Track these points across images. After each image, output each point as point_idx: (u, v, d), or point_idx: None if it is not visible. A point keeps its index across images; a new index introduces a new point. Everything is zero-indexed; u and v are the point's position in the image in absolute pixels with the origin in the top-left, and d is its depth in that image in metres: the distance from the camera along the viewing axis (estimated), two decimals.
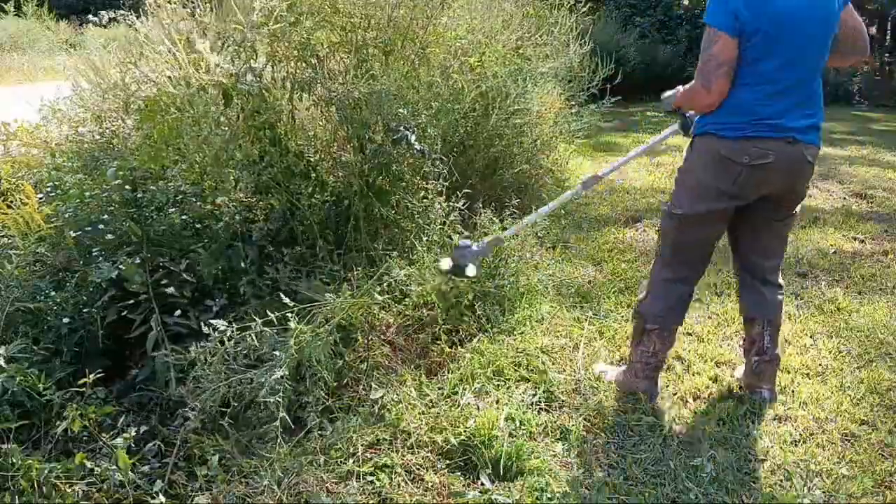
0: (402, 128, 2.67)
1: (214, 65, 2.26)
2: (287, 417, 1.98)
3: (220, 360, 2.10)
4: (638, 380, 2.38)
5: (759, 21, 1.99)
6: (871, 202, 5.22)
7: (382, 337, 2.59)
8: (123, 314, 2.30)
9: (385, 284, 2.55)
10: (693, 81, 2.16)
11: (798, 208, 2.33)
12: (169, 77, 2.28)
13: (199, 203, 2.69)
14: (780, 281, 2.46)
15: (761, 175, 2.12)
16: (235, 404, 2.11)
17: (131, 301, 2.32)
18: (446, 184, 3.03)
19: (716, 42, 2.03)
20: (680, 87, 2.37)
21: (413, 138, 2.67)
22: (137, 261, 2.36)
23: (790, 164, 2.12)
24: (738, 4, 1.99)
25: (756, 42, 2.02)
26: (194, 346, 2.10)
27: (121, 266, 2.32)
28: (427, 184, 3.00)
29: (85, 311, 2.33)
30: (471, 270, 2.43)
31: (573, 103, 4.78)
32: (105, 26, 14.55)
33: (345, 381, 2.35)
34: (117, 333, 2.36)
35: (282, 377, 2.02)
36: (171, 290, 2.35)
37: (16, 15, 14.23)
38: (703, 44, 2.07)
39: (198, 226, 2.66)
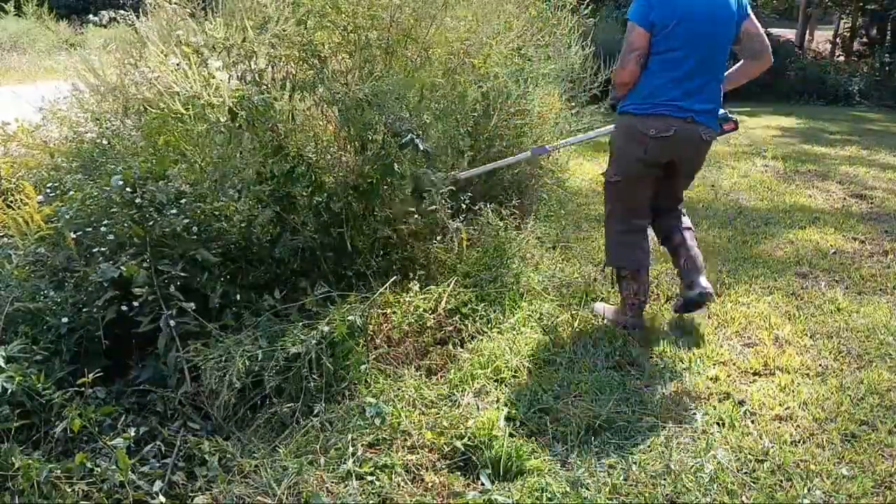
0: (409, 132, 2.68)
1: (225, 84, 2.25)
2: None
3: (252, 341, 2.22)
4: (626, 317, 2.86)
5: (669, 19, 2.53)
6: (871, 203, 5.22)
7: (384, 337, 2.59)
8: (130, 314, 2.30)
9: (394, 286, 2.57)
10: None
11: (696, 173, 2.97)
12: (177, 92, 2.27)
13: (199, 204, 2.69)
14: (681, 215, 3.01)
15: (665, 145, 2.65)
16: (253, 390, 2.16)
17: (133, 301, 2.31)
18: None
19: (632, 32, 2.60)
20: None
21: (419, 141, 2.70)
22: (145, 264, 2.35)
23: (687, 140, 2.67)
24: (648, 5, 2.56)
25: (663, 37, 2.56)
26: (228, 338, 2.23)
27: (122, 267, 2.31)
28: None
29: (84, 310, 2.33)
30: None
31: (574, 104, 4.78)
32: (105, 26, 14.57)
33: (346, 381, 2.35)
34: (117, 333, 2.35)
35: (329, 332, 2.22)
36: (172, 289, 2.35)
37: (16, 15, 14.22)
38: (626, 34, 2.63)
39: (200, 227, 2.65)
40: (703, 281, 2.85)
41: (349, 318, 2.37)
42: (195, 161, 2.57)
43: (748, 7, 2.70)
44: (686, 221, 3.00)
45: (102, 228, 2.45)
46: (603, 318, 2.96)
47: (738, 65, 2.82)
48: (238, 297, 2.53)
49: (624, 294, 2.87)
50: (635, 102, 2.69)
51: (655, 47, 2.59)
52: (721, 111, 2.80)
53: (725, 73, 2.78)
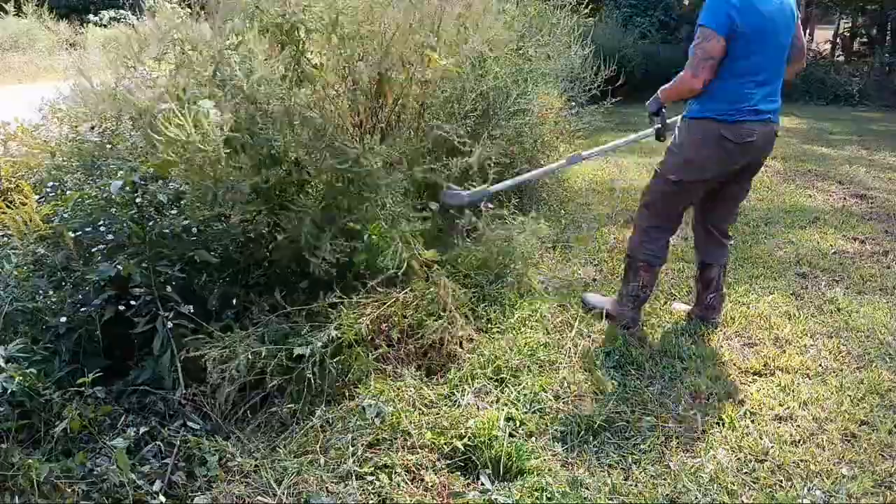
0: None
1: (214, 128, 2.20)
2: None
3: (254, 339, 2.22)
4: (626, 310, 2.89)
5: (746, 26, 2.49)
6: (871, 203, 5.22)
7: (384, 337, 2.59)
8: (127, 314, 2.30)
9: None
10: (683, 72, 2.62)
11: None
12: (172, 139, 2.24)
13: (199, 205, 2.68)
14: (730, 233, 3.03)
15: (747, 150, 2.65)
16: (254, 389, 2.16)
17: (131, 301, 2.31)
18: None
19: (709, 39, 2.52)
20: (661, 88, 2.81)
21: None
22: (143, 264, 2.35)
23: (766, 140, 2.69)
24: (731, 12, 2.49)
25: (743, 43, 2.51)
26: (235, 332, 2.25)
27: (119, 266, 2.31)
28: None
29: (82, 310, 2.33)
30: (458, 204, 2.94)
31: (573, 104, 4.78)
32: (105, 26, 14.55)
33: (346, 382, 2.35)
34: (117, 333, 2.35)
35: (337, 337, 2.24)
36: (169, 290, 2.34)
37: (16, 14, 14.21)
38: (697, 39, 2.56)
39: (199, 227, 2.64)
40: (718, 317, 3.02)
41: (357, 324, 2.37)
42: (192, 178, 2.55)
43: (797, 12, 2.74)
44: (727, 255, 3.01)
45: (101, 228, 2.45)
46: (593, 309, 2.98)
47: None
48: (238, 297, 2.53)
49: (630, 285, 2.89)
50: (717, 109, 2.61)
51: (735, 52, 2.53)
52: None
53: None
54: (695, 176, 2.72)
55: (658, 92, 2.82)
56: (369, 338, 2.49)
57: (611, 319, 2.93)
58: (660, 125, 2.87)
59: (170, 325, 2.27)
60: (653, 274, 2.88)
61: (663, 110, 2.85)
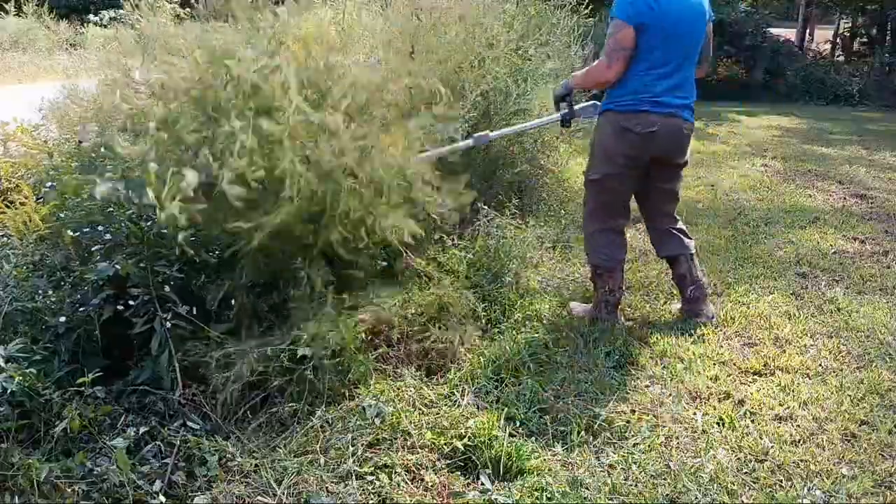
0: None
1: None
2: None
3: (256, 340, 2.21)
4: (602, 313, 2.90)
5: (654, 19, 2.57)
6: (871, 203, 5.22)
7: (384, 337, 2.59)
8: (126, 315, 2.29)
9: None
10: (597, 61, 2.73)
11: (682, 171, 2.94)
12: None
13: None
14: (682, 226, 3.04)
15: (650, 141, 2.70)
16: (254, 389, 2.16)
17: (130, 300, 2.31)
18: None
19: (620, 30, 2.62)
20: (572, 75, 2.94)
21: None
22: (142, 263, 2.35)
23: (671, 135, 2.74)
24: (640, 4, 2.57)
25: (649, 36, 2.59)
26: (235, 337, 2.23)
27: (117, 265, 2.31)
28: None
29: (81, 309, 2.32)
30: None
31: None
32: (105, 26, 14.55)
33: (346, 382, 2.35)
34: (116, 333, 2.35)
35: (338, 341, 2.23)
36: (167, 290, 2.34)
37: (16, 14, 14.21)
38: (611, 31, 2.65)
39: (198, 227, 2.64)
40: (709, 309, 2.99)
41: (358, 329, 2.37)
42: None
43: (712, 11, 2.81)
44: (690, 245, 2.99)
45: (100, 228, 2.45)
46: (578, 317, 2.95)
47: None
48: (237, 297, 2.52)
49: (599, 292, 2.92)
50: (618, 100, 2.73)
51: (641, 44, 2.62)
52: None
53: None
54: (607, 169, 2.80)
55: (570, 77, 2.93)
56: (369, 338, 2.49)
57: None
58: (566, 110, 2.91)
59: (168, 325, 2.27)
60: (615, 276, 2.89)
61: (570, 97, 2.90)
